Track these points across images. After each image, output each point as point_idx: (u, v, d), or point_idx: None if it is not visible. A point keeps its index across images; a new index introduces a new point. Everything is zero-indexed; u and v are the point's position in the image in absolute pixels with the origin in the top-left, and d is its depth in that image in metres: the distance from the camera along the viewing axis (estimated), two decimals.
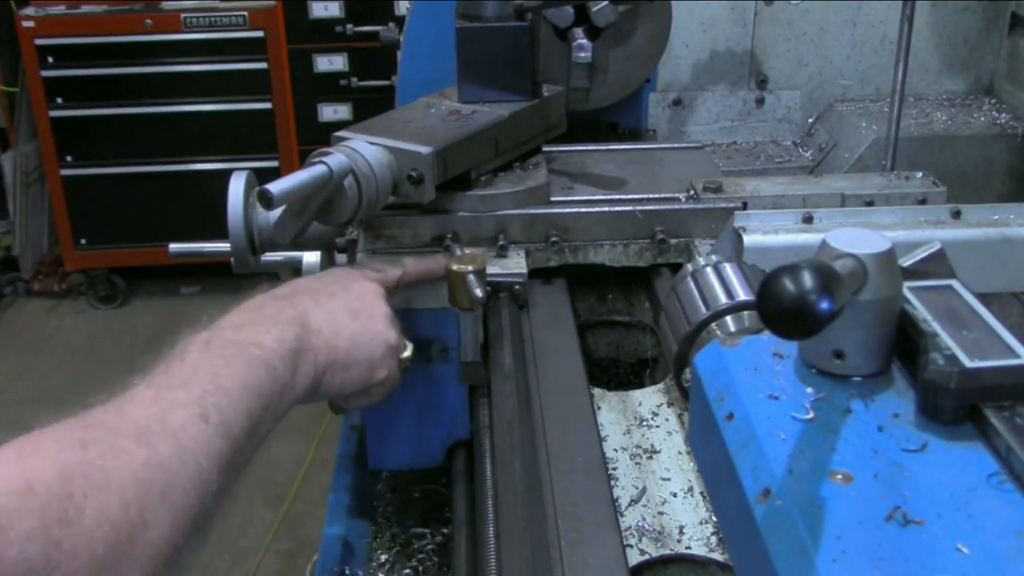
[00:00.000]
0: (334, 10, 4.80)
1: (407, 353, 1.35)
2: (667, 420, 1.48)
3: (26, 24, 4.72)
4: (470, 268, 1.38)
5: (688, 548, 1.26)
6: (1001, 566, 0.66)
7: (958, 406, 0.78)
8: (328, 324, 1.21)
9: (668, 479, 1.36)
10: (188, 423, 0.95)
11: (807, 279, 0.70)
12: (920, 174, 1.70)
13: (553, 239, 1.59)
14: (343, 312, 1.25)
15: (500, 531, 1.17)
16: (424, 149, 1.47)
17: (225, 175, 1.49)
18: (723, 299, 1.10)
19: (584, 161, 1.86)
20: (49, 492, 0.81)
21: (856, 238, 0.83)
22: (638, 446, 1.42)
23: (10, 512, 0.78)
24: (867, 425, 0.80)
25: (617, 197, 1.66)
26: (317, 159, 1.37)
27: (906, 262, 0.93)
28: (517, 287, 1.54)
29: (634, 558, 1.22)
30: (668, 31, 1.97)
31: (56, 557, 0.79)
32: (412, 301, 1.51)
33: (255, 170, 1.53)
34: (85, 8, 4.78)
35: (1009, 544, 0.67)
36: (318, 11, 4.80)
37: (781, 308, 0.70)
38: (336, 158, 1.37)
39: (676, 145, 2.06)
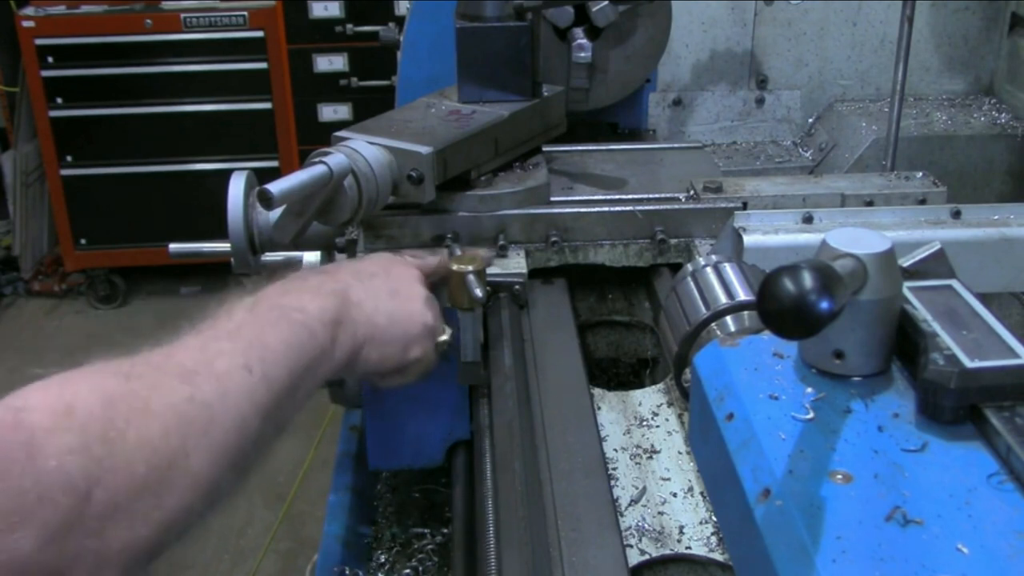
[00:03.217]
0: (334, 10, 4.80)
1: (445, 336, 1.37)
2: (667, 420, 1.48)
3: (26, 24, 4.72)
4: (470, 268, 1.38)
5: (688, 548, 1.26)
6: (1001, 566, 0.66)
7: (958, 406, 0.78)
8: (368, 300, 1.25)
9: (668, 479, 1.36)
10: (232, 370, 0.99)
11: (807, 279, 0.70)
12: (920, 174, 1.70)
13: (553, 239, 1.59)
14: (383, 291, 1.28)
15: (500, 531, 1.17)
16: (424, 149, 1.47)
17: (225, 175, 1.49)
18: (723, 299, 1.10)
19: (584, 161, 1.85)
20: (90, 414, 0.84)
21: (856, 238, 0.83)
22: (638, 446, 1.42)
23: (48, 429, 0.81)
24: (867, 425, 0.80)
25: (617, 197, 1.66)
26: (317, 159, 1.37)
27: (906, 262, 0.93)
28: (517, 287, 1.54)
29: (634, 558, 1.22)
30: (668, 31, 1.96)
31: (96, 472, 0.82)
32: None
33: (255, 170, 1.53)
34: (85, 8, 4.78)
35: (1009, 544, 0.67)
36: (318, 11, 4.80)
37: (781, 308, 0.70)
38: (336, 158, 1.37)
39: (676, 145, 2.06)
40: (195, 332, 1.03)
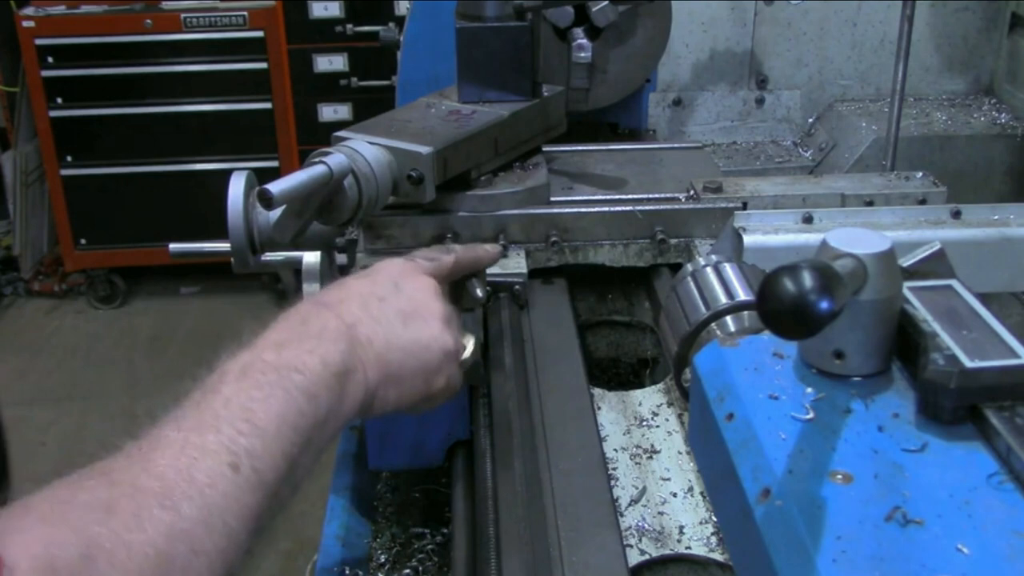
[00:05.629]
0: (334, 10, 4.80)
1: (467, 353, 1.22)
2: (667, 420, 1.48)
3: (26, 24, 4.72)
4: None
5: (688, 548, 1.26)
6: (1001, 566, 0.66)
7: (958, 406, 0.78)
8: (379, 335, 1.10)
9: (668, 479, 1.36)
10: (216, 477, 0.88)
11: (807, 279, 0.70)
12: (920, 174, 1.70)
13: (553, 239, 1.59)
14: (395, 318, 1.13)
15: (500, 531, 1.17)
16: (424, 149, 1.47)
17: (225, 175, 1.49)
18: (723, 299, 1.10)
19: (584, 161, 1.86)
20: (71, 571, 0.77)
21: (856, 238, 0.83)
22: (638, 446, 1.42)
23: None
24: (867, 425, 0.80)
25: (617, 197, 1.66)
26: (317, 159, 1.37)
27: (906, 262, 0.93)
28: (517, 287, 1.54)
29: (634, 558, 1.22)
30: (668, 31, 1.97)
31: None
32: None
33: (255, 170, 1.53)
34: (85, 8, 4.78)
35: (1009, 544, 0.67)
36: (318, 11, 4.80)
37: (781, 308, 0.70)
38: (336, 158, 1.37)
39: (676, 145, 2.06)
40: (178, 421, 0.92)
